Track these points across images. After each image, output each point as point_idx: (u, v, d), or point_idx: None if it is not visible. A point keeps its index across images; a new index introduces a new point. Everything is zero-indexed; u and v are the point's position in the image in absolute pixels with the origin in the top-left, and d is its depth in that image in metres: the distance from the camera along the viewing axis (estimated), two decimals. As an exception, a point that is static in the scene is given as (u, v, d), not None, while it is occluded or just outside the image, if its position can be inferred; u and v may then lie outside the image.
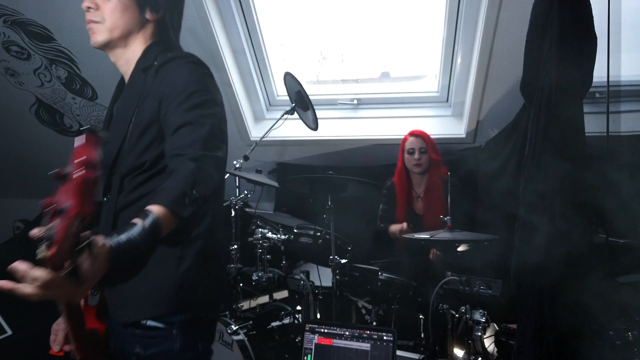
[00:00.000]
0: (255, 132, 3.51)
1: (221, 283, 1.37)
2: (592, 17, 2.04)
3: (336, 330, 2.08)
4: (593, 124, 2.47)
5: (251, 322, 2.52)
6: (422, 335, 2.43)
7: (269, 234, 2.67)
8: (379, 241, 3.10)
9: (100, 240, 0.86)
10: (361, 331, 2.06)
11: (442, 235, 2.31)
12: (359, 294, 2.57)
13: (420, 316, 2.45)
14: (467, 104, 3.13)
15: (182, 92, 1.17)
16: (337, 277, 2.40)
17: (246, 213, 2.89)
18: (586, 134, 2.11)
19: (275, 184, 2.85)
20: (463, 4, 2.78)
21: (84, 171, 0.80)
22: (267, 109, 3.61)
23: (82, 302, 1.17)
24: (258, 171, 2.87)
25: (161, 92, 1.20)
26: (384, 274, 2.47)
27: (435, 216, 2.57)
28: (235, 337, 2.23)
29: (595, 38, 2.05)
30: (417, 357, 2.29)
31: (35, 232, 0.80)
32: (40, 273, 0.78)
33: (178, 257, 1.19)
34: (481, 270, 2.47)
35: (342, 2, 3.19)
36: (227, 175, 2.53)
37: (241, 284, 2.66)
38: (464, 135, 3.25)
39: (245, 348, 2.23)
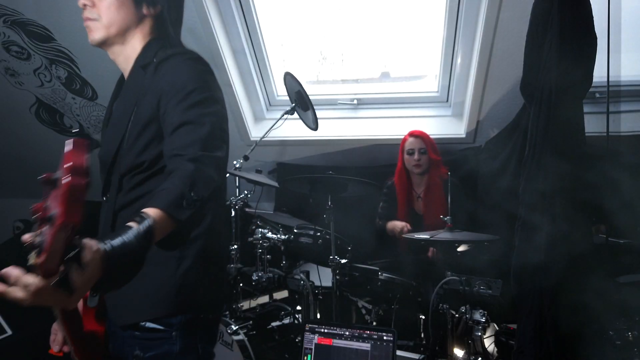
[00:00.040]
0: (255, 132, 3.51)
1: (222, 283, 1.34)
2: (592, 17, 2.04)
3: (336, 330, 2.08)
4: (593, 124, 2.47)
5: (251, 322, 2.52)
6: (422, 335, 2.43)
7: (269, 234, 2.67)
8: (379, 241, 3.10)
9: (93, 245, 0.83)
10: (361, 331, 2.06)
11: (442, 235, 2.31)
12: (359, 294, 2.57)
13: (421, 316, 2.45)
14: (467, 104, 3.13)
15: (181, 90, 1.14)
16: (337, 277, 2.40)
17: (246, 213, 2.89)
18: (586, 134, 2.11)
19: (275, 184, 2.85)
20: (463, 4, 2.78)
21: (70, 178, 0.78)
22: (267, 109, 3.61)
23: (81, 303, 1.16)
24: (258, 171, 2.87)
25: (160, 89, 1.17)
26: (384, 274, 2.47)
27: (435, 216, 2.57)
28: (235, 337, 2.22)
29: (595, 38, 2.05)
30: (417, 357, 2.29)
31: (27, 237, 0.79)
32: (32, 280, 0.76)
33: (178, 258, 1.17)
34: (481, 270, 2.47)
35: (342, 2, 3.19)
36: (228, 175, 2.53)
37: (241, 284, 2.66)
38: (464, 135, 3.25)
39: (245, 348, 2.23)
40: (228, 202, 2.68)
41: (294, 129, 3.25)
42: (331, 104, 3.49)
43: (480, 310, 2.31)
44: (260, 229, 2.68)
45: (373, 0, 3.16)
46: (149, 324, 1.16)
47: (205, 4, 2.80)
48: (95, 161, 1.24)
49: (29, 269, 0.77)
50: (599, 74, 2.10)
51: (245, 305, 2.66)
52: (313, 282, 2.63)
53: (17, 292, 0.78)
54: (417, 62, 3.39)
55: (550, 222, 2.01)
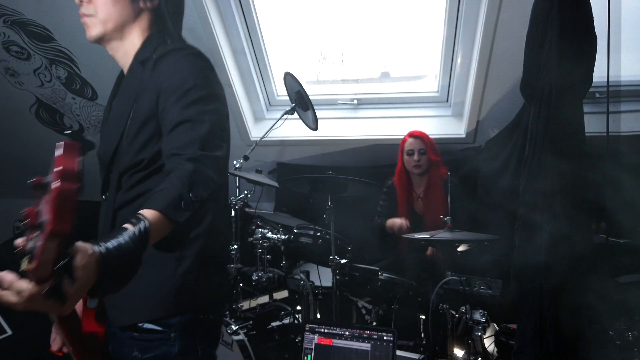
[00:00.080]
0: (255, 132, 3.52)
1: (222, 284, 1.31)
2: (592, 17, 2.05)
3: (336, 330, 2.08)
4: (593, 124, 2.47)
5: (251, 322, 2.52)
6: (422, 335, 2.43)
7: (269, 234, 2.67)
8: (378, 240, 3.10)
9: (88, 248, 0.81)
10: (361, 331, 2.06)
11: (442, 235, 2.31)
12: (359, 294, 2.57)
13: (421, 316, 2.45)
14: (467, 104, 3.13)
15: (180, 87, 1.11)
16: (337, 277, 2.40)
17: (246, 213, 2.89)
18: (586, 134, 2.11)
19: (275, 184, 2.85)
20: (463, 4, 2.78)
21: (59, 183, 0.74)
22: (267, 109, 3.61)
23: (80, 304, 1.15)
24: (258, 171, 2.87)
25: (159, 86, 1.14)
26: (384, 274, 2.47)
27: (435, 216, 2.57)
28: (235, 337, 2.22)
29: (595, 38, 2.05)
30: (417, 357, 2.29)
31: (19, 242, 0.77)
32: (25, 286, 0.75)
33: (177, 258, 1.15)
34: (481, 270, 2.47)
35: (342, 2, 3.19)
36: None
37: (241, 284, 2.66)
38: (464, 135, 3.25)
39: (245, 348, 2.23)
40: (228, 202, 2.68)
41: (294, 129, 3.25)
42: (331, 104, 3.49)
43: (480, 310, 2.31)
44: (260, 229, 2.68)
45: (373, 0, 3.16)
46: (147, 325, 1.14)
47: (205, 4, 2.80)
48: (94, 161, 1.24)
49: (22, 274, 0.75)
50: (599, 74, 2.10)
51: (245, 305, 2.66)
52: (313, 282, 2.63)
53: (10, 297, 0.77)
54: (417, 62, 3.39)
55: (550, 222, 2.01)
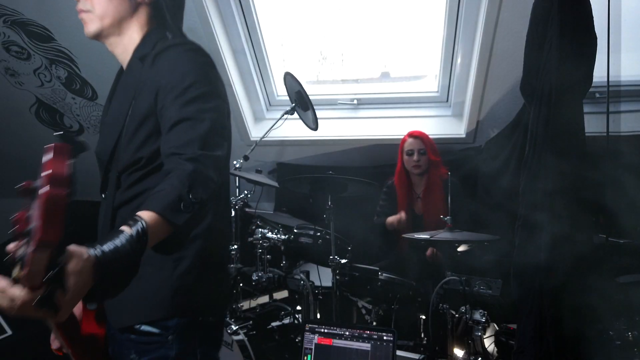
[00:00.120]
0: (255, 132, 3.52)
1: (222, 285, 1.27)
2: (592, 17, 2.05)
3: (336, 330, 2.08)
4: (593, 124, 2.47)
5: (251, 322, 2.52)
6: (422, 335, 2.43)
7: (269, 234, 2.67)
8: (377, 240, 3.10)
9: (83, 252, 0.79)
10: (361, 331, 2.06)
11: (442, 235, 2.31)
12: (359, 294, 2.57)
13: (421, 316, 2.45)
14: (467, 104, 3.13)
15: (179, 84, 1.08)
16: (337, 277, 2.40)
17: (246, 213, 2.89)
18: (586, 134, 2.11)
19: (275, 184, 2.85)
20: (463, 4, 2.78)
21: (48, 188, 0.71)
22: (267, 109, 3.61)
23: (80, 305, 1.14)
24: (258, 171, 2.87)
25: (157, 83, 1.10)
26: (384, 274, 2.47)
27: (435, 216, 2.57)
28: (235, 337, 2.22)
29: (595, 38, 2.05)
30: (417, 357, 2.29)
31: (10, 247, 0.75)
32: (17, 293, 0.73)
33: (175, 258, 1.12)
34: (481, 270, 2.47)
35: (342, 2, 3.19)
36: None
37: (241, 284, 2.66)
38: (464, 135, 3.25)
39: (245, 348, 2.23)
40: (228, 202, 2.68)
41: (294, 129, 3.25)
42: (331, 104, 3.49)
43: (480, 310, 2.31)
44: (260, 229, 2.68)
45: (373, 0, 3.16)
46: (145, 327, 1.11)
47: (205, 4, 2.80)
48: (94, 160, 1.23)
49: (16, 280, 0.73)
50: (599, 74, 2.10)
51: (245, 305, 2.66)
52: (313, 282, 2.63)
53: (3, 302, 0.75)
54: (417, 62, 3.39)
55: (550, 222, 2.01)
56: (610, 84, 2.16)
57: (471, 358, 2.24)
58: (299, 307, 2.65)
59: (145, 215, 0.91)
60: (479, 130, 3.22)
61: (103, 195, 1.21)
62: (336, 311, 2.40)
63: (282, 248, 2.70)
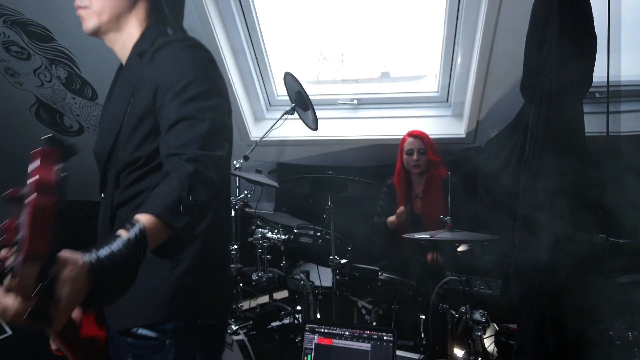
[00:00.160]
0: (255, 132, 3.52)
1: (223, 287, 1.23)
2: (592, 17, 2.04)
3: (336, 330, 2.08)
4: (593, 124, 2.47)
5: (251, 322, 2.52)
6: (422, 335, 2.43)
7: (269, 234, 2.67)
8: (378, 239, 3.10)
9: (78, 259, 0.76)
10: (361, 331, 2.06)
11: (442, 235, 2.31)
12: (359, 294, 2.57)
13: (421, 316, 2.45)
14: (467, 104, 3.13)
15: (178, 82, 1.05)
16: (337, 277, 2.40)
17: (246, 213, 2.89)
18: (586, 134, 2.11)
19: (275, 184, 2.85)
20: (463, 4, 2.78)
21: (35, 196, 0.68)
22: (267, 109, 3.61)
23: (79, 308, 1.11)
24: (258, 171, 2.87)
25: (156, 80, 1.07)
26: (384, 274, 2.47)
27: (435, 216, 2.57)
28: (235, 337, 2.22)
29: (595, 38, 2.05)
30: (417, 357, 2.29)
31: (3, 254, 0.72)
32: (10, 303, 0.70)
33: (175, 259, 1.09)
34: (481, 270, 2.47)
35: (342, 2, 3.19)
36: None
37: (241, 284, 2.66)
38: (464, 135, 3.25)
39: (245, 348, 2.23)
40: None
41: (294, 129, 3.25)
42: (331, 104, 3.49)
43: (480, 310, 2.31)
44: (260, 229, 2.68)
45: (373, 0, 3.16)
46: (142, 331, 1.08)
47: (205, 4, 2.80)
48: (93, 159, 1.23)
49: (8, 290, 0.71)
50: (599, 74, 2.10)
51: (245, 305, 2.66)
52: (313, 282, 2.63)
53: None
54: (417, 62, 3.39)
55: (550, 221, 2.01)
56: (610, 84, 2.16)
57: (471, 358, 2.24)
58: (299, 307, 2.65)
59: (144, 218, 0.87)
60: (479, 130, 3.22)
61: (102, 195, 1.20)
62: (336, 311, 2.40)
63: (282, 248, 2.70)
